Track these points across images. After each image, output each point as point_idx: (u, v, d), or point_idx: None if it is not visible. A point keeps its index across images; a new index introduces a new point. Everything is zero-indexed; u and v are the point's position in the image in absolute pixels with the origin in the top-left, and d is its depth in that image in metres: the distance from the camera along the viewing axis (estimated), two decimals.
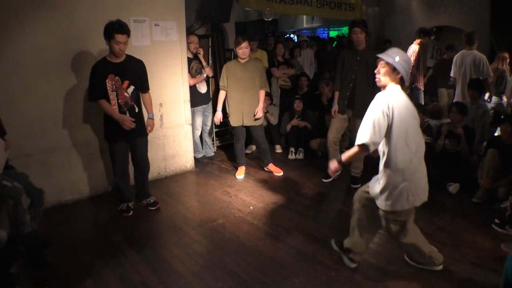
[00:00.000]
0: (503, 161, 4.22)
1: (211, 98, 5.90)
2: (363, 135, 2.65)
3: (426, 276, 3.02)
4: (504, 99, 6.34)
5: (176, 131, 5.27)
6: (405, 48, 8.87)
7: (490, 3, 8.43)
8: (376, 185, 2.82)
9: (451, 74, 6.21)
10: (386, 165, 2.73)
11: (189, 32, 5.54)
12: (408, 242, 2.93)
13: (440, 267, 3.06)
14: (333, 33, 13.67)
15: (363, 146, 2.67)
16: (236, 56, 4.98)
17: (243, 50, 4.75)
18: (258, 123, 5.03)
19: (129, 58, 3.85)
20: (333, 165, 2.92)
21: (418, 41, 6.71)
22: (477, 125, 5.16)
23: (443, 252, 3.29)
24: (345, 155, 2.84)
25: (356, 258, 3.11)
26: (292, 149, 6.14)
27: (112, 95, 3.75)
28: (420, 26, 7.78)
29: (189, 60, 5.31)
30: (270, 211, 4.25)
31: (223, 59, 6.34)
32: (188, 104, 5.33)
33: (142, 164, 4.18)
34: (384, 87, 2.79)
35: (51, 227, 3.83)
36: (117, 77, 3.73)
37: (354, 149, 2.77)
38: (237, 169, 5.35)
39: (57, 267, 3.19)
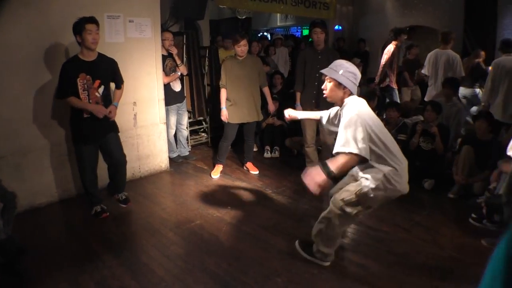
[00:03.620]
0: (478, 157, 4.33)
1: (185, 97, 5.82)
2: (352, 144, 2.51)
3: (406, 271, 3.05)
4: (477, 90, 6.52)
5: (150, 130, 5.16)
6: (378, 46, 9.04)
7: (464, 3, 8.63)
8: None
9: (425, 72, 6.29)
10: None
11: (164, 29, 5.44)
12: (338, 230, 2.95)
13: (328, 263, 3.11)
14: (306, 32, 13.72)
15: (355, 155, 2.53)
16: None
17: (242, 48, 4.74)
18: (259, 118, 5.08)
19: (102, 57, 3.76)
20: (320, 178, 2.53)
21: (395, 41, 6.77)
22: (452, 123, 5.25)
23: (423, 247, 3.36)
24: (336, 166, 2.53)
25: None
26: (268, 147, 6.13)
27: (83, 95, 3.63)
28: (394, 25, 7.88)
29: (164, 58, 5.21)
30: (248, 210, 4.21)
31: (198, 56, 6.25)
32: (163, 103, 5.22)
33: (119, 160, 4.03)
34: (338, 102, 2.77)
35: (24, 232, 3.66)
36: (88, 76, 3.63)
37: (345, 158, 2.54)
38: (213, 167, 5.27)
39: (32, 273, 3.05)
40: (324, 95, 2.81)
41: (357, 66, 9.26)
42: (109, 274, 3.04)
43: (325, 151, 5.06)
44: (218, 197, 4.55)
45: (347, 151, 2.53)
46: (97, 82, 3.68)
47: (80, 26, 3.49)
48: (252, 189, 4.78)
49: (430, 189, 4.64)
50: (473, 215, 3.84)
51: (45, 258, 3.28)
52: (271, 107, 5.22)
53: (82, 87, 3.61)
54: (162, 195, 4.67)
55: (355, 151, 2.50)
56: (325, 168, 2.53)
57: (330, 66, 2.77)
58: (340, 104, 2.78)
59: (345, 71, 2.68)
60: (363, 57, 9.12)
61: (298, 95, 4.92)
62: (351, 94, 2.72)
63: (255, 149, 6.31)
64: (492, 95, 5.37)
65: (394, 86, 7.11)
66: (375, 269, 3.09)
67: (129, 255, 3.32)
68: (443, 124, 5.02)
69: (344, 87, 2.67)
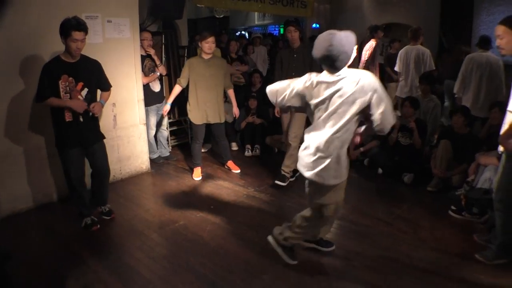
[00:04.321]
0: (455, 150, 4.44)
1: (165, 97, 5.78)
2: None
3: (390, 263, 3.12)
4: None
5: (130, 132, 5.11)
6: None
7: (440, 2, 8.82)
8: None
9: (396, 69, 6.42)
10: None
11: (142, 29, 5.39)
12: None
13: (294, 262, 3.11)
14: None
15: None
16: (195, 53, 4.92)
17: (210, 44, 4.70)
18: (222, 120, 5.02)
19: (85, 58, 3.60)
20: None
21: (374, 38, 6.84)
22: (429, 118, 5.38)
23: (404, 239, 3.44)
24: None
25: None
26: (249, 146, 6.14)
27: (65, 97, 3.47)
28: (371, 23, 7.98)
29: (142, 58, 5.16)
30: (232, 209, 4.22)
31: (177, 56, 6.22)
32: (142, 104, 5.17)
33: (103, 171, 3.90)
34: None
35: (6, 238, 3.59)
36: (71, 78, 3.47)
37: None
38: (193, 169, 5.24)
39: (17, 279, 2.98)
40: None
41: None
42: (95, 278, 3.01)
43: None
44: (201, 197, 4.55)
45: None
46: (80, 84, 3.54)
47: (67, 31, 3.31)
48: (234, 188, 4.78)
49: (410, 183, 4.74)
50: (452, 207, 3.95)
51: (30, 263, 3.23)
52: (236, 110, 5.17)
53: (64, 89, 3.46)
54: (144, 196, 4.64)
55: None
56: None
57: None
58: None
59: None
60: None
61: None
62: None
63: (236, 148, 6.31)
64: (462, 88, 5.58)
65: None
66: (359, 263, 3.15)
67: (114, 258, 3.29)
68: (421, 119, 5.14)
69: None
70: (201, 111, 4.86)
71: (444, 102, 7.09)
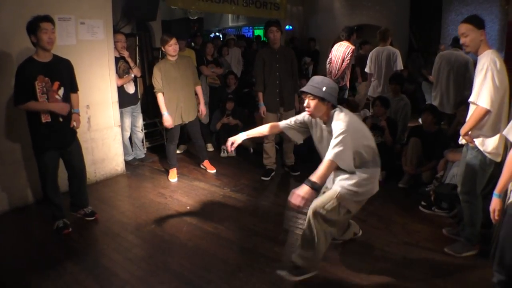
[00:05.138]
0: (425, 148, 4.59)
1: (140, 99, 5.77)
2: (338, 153, 2.54)
3: (364, 258, 3.23)
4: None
5: (105, 134, 5.07)
6: (327, 45, 9.27)
7: (410, 3, 9.02)
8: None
9: (366, 70, 6.55)
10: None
11: (116, 30, 5.36)
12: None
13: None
14: (258, 32, 13.87)
15: (333, 163, 2.55)
16: (164, 56, 4.91)
17: (173, 46, 4.69)
18: (195, 117, 5.06)
19: (57, 58, 3.58)
20: (304, 192, 2.48)
21: (349, 40, 6.86)
22: (399, 116, 5.53)
23: (377, 235, 3.55)
24: (319, 175, 2.53)
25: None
26: (224, 147, 6.17)
27: (42, 98, 3.42)
28: (343, 24, 8.08)
29: (116, 60, 5.13)
30: (208, 209, 4.26)
31: (151, 58, 6.20)
32: (117, 105, 5.15)
33: (80, 172, 3.90)
34: (323, 117, 2.77)
35: None
36: (47, 78, 3.43)
37: (326, 165, 2.55)
38: (169, 171, 5.24)
39: None
40: (308, 113, 2.80)
41: (308, 64, 9.43)
42: (72, 280, 3.00)
43: (286, 146, 5.28)
44: (177, 197, 4.56)
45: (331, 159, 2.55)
46: (56, 83, 3.50)
47: (35, 25, 3.29)
48: (210, 189, 4.82)
49: (382, 180, 4.85)
50: (422, 203, 4.09)
51: (5, 267, 3.21)
52: (202, 108, 5.19)
53: (40, 90, 3.41)
54: (119, 198, 4.62)
55: (335, 159, 2.55)
56: (309, 182, 2.52)
57: (310, 83, 2.74)
58: (326, 118, 2.78)
59: (327, 87, 2.70)
60: (314, 56, 9.34)
61: (260, 95, 4.98)
62: (333, 106, 2.75)
63: (211, 149, 6.34)
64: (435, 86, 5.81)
65: (348, 84, 7.32)
66: (335, 259, 3.23)
67: (91, 260, 3.29)
68: (391, 118, 5.28)
69: (328, 102, 2.70)
70: (176, 112, 4.87)
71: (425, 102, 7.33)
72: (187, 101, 4.92)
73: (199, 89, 5.15)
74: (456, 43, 5.85)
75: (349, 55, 6.50)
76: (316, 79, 2.79)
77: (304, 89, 2.74)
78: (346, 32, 6.67)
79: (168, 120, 4.79)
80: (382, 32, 6.29)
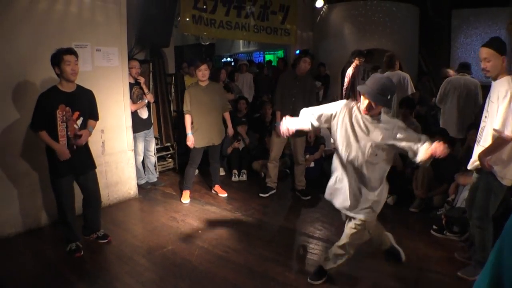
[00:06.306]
0: (436, 171, 4.59)
1: (152, 123, 5.88)
2: None
3: (374, 282, 3.22)
4: None
5: (118, 158, 5.17)
6: (337, 70, 9.38)
7: (418, 28, 9.10)
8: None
9: None
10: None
11: (130, 57, 5.51)
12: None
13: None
14: (269, 57, 14.06)
15: None
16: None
17: (203, 72, 4.88)
18: (219, 142, 5.20)
19: (80, 88, 3.71)
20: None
21: (354, 63, 6.98)
22: None
23: (389, 259, 3.52)
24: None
25: None
26: (235, 171, 6.22)
27: (61, 126, 3.54)
28: (352, 49, 8.17)
29: (131, 86, 5.27)
30: (219, 233, 4.27)
31: (164, 84, 6.33)
32: (130, 130, 5.26)
33: (95, 199, 3.98)
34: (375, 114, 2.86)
35: None
36: (68, 108, 3.55)
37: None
38: (181, 193, 5.31)
39: None
40: (365, 112, 2.83)
41: (319, 89, 9.53)
42: None
43: (297, 169, 5.34)
44: (189, 221, 4.59)
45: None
46: (76, 113, 3.62)
47: (58, 58, 3.43)
48: (222, 213, 4.85)
49: (393, 204, 4.86)
50: (434, 227, 4.08)
51: None
52: (230, 131, 5.38)
53: (60, 119, 3.53)
54: (132, 222, 4.67)
55: None
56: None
57: (377, 91, 2.71)
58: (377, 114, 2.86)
59: (391, 95, 2.79)
60: (324, 81, 9.42)
61: (278, 114, 5.12)
62: None
63: (222, 173, 6.38)
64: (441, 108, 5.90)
65: None
66: (344, 283, 3.22)
67: (103, 283, 3.31)
68: None
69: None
70: (204, 135, 5.00)
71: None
72: (213, 125, 5.05)
73: (227, 115, 5.28)
74: (462, 68, 5.88)
75: (346, 78, 6.63)
76: (383, 85, 2.73)
77: (370, 97, 2.72)
78: (352, 54, 6.80)
79: (190, 139, 4.96)
80: (388, 58, 6.34)
